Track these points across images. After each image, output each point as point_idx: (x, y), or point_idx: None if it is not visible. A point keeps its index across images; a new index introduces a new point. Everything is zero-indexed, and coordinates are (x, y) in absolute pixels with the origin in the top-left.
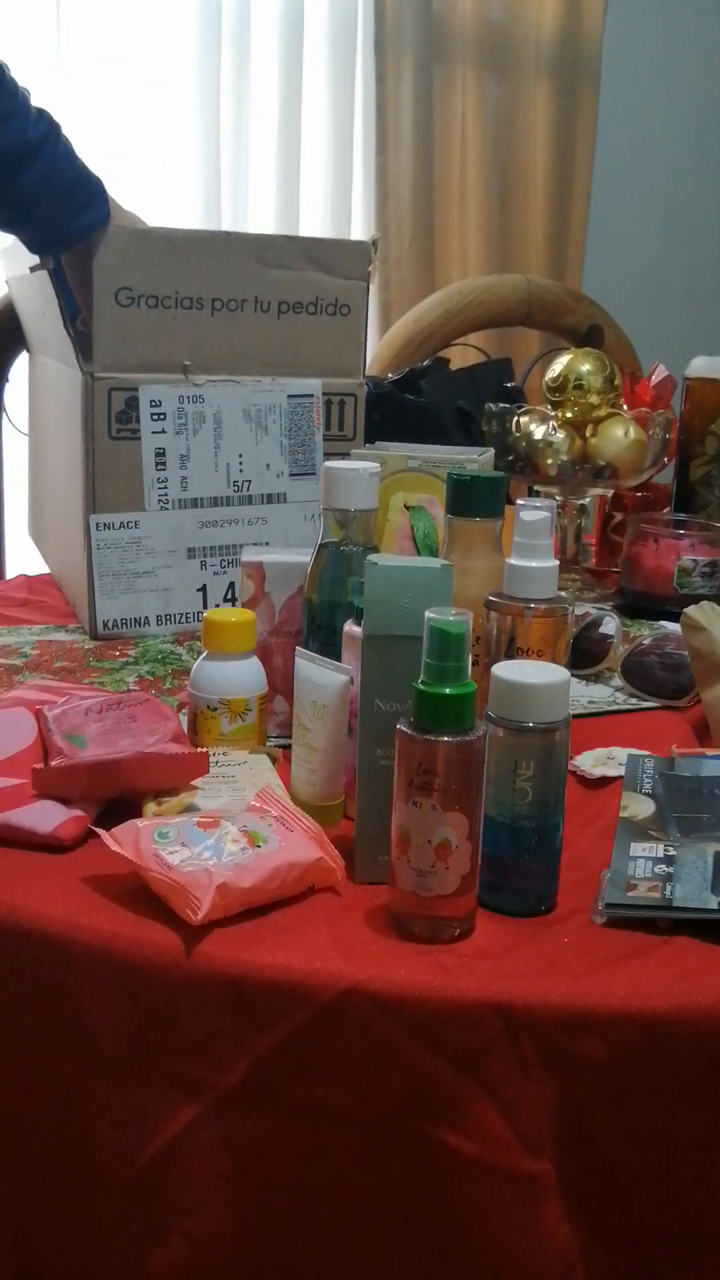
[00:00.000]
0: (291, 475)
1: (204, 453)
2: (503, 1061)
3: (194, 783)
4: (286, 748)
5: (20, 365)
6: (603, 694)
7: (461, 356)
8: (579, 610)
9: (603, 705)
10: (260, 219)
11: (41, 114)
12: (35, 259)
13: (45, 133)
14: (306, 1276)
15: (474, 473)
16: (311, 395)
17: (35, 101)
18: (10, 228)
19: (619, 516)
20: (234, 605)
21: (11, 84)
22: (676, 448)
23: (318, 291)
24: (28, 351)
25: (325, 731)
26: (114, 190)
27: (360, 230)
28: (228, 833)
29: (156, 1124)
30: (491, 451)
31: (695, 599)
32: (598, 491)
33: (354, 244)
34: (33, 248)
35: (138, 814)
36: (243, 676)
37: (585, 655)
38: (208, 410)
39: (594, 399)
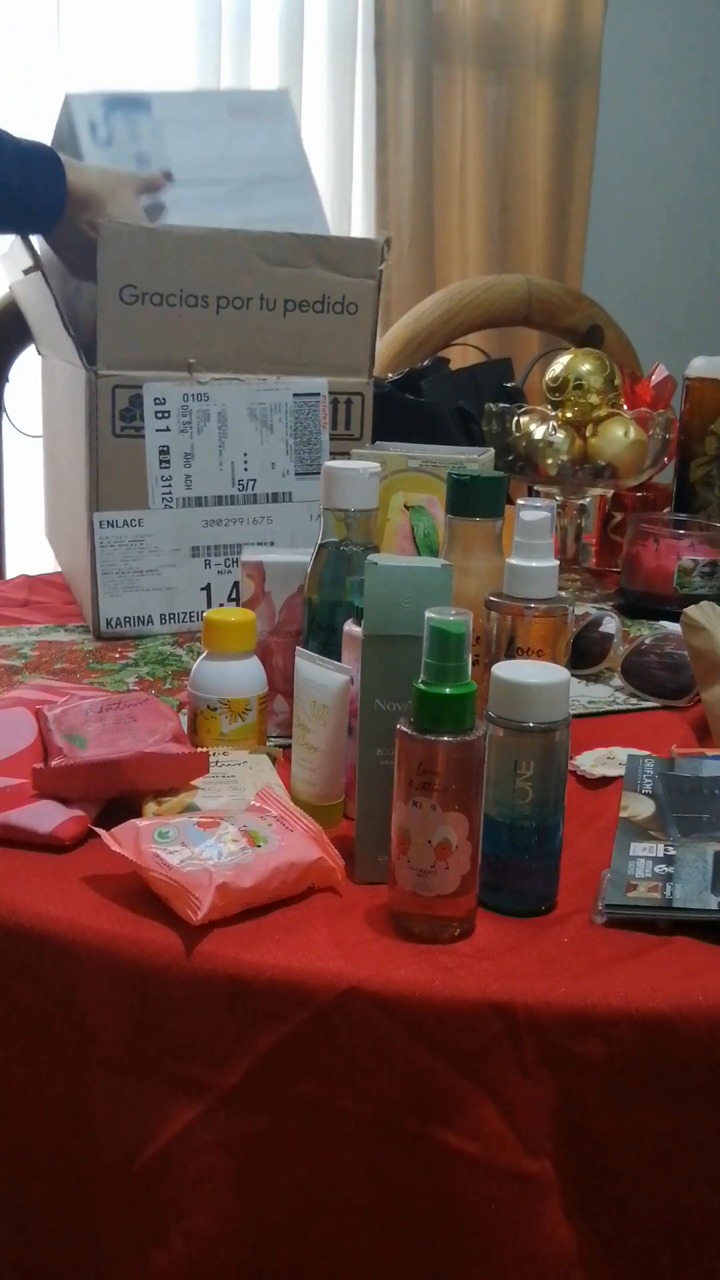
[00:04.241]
0: (297, 474)
1: (208, 451)
2: (503, 1061)
3: (194, 783)
4: (286, 748)
5: (27, 366)
6: (603, 694)
7: (461, 356)
8: (579, 610)
9: (603, 705)
10: None
11: None
12: (29, 261)
13: None
14: (307, 1276)
15: (474, 473)
16: (318, 394)
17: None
18: None
19: (619, 516)
20: (236, 605)
21: None
22: (676, 448)
23: (325, 290)
24: (39, 353)
25: (325, 731)
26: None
27: (360, 230)
28: (228, 833)
29: (156, 1124)
30: (491, 451)
31: (695, 599)
32: (598, 491)
33: (362, 242)
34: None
35: (138, 814)
36: (243, 676)
37: (585, 655)
38: (212, 408)
39: (594, 399)
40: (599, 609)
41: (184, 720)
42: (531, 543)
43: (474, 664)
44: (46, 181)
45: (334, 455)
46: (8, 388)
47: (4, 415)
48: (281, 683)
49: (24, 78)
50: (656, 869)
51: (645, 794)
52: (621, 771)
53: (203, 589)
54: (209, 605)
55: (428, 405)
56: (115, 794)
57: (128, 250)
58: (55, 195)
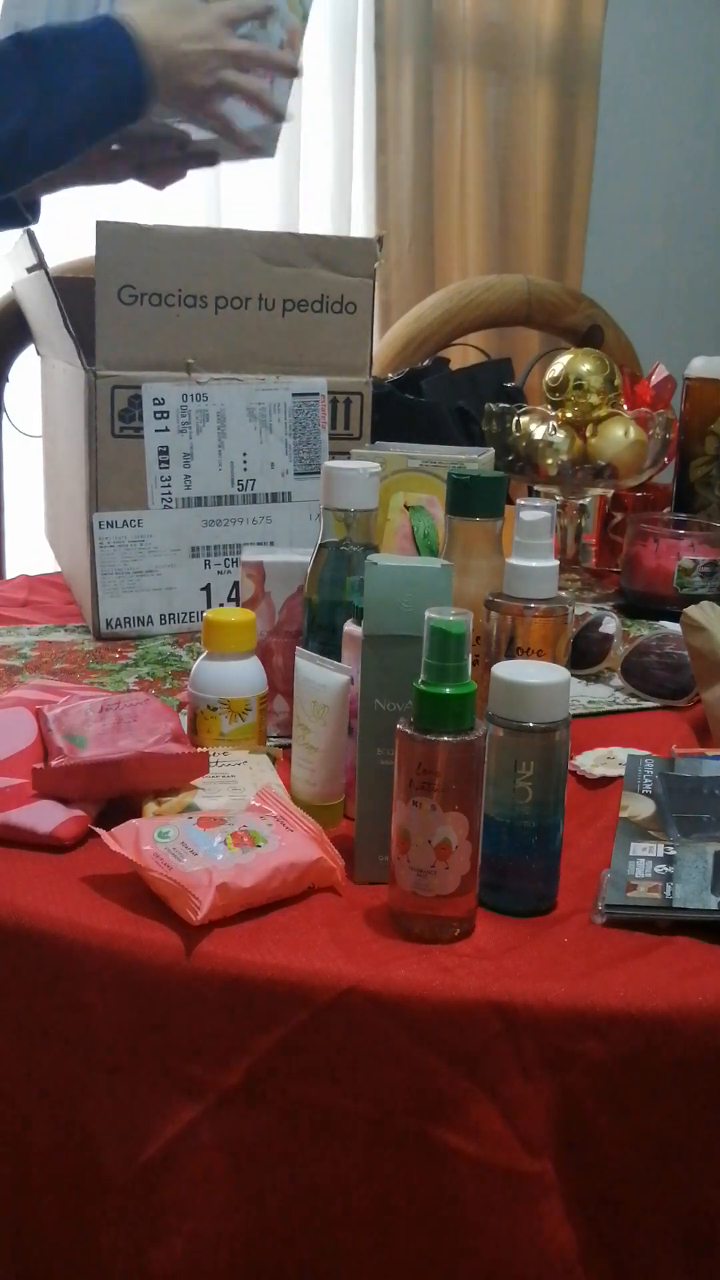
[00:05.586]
0: (296, 474)
1: (208, 451)
2: (503, 1061)
3: (194, 783)
4: (286, 748)
5: (27, 366)
6: (603, 694)
7: (461, 356)
8: (579, 610)
9: (603, 705)
10: (261, 219)
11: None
12: (33, 259)
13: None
14: (306, 1276)
15: (474, 473)
16: (317, 394)
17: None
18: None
19: (619, 516)
20: (236, 605)
21: None
22: (676, 448)
23: (323, 289)
24: (38, 354)
25: (325, 731)
26: (113, 193)
27: (360, 230)
28: (228, 833)
29: (156, 1124)
30: (491, 451)
31: (695, 599)
32: (598, 491)
33: (360, 241)
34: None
35: (138, 814)
36: (243, 676)
37: (585, 655)
38: (211, 408)
39: (594, 399)
40: (599, 609)
41: (184, 720)
42: (531, 543)
43: (474, 664)
44: (118, 62)
45: (334, 455)
46: (8, 388)
47: (4, 415)
48: (281, 683)
49: None
50: (656, 869)
51: (645, 794)
52: (621, 771)
53: (203, 589)
54: (209, 605)
55: (428, 405)
56: (115, 794)
57: (126, 250)
58: (135, 75)
